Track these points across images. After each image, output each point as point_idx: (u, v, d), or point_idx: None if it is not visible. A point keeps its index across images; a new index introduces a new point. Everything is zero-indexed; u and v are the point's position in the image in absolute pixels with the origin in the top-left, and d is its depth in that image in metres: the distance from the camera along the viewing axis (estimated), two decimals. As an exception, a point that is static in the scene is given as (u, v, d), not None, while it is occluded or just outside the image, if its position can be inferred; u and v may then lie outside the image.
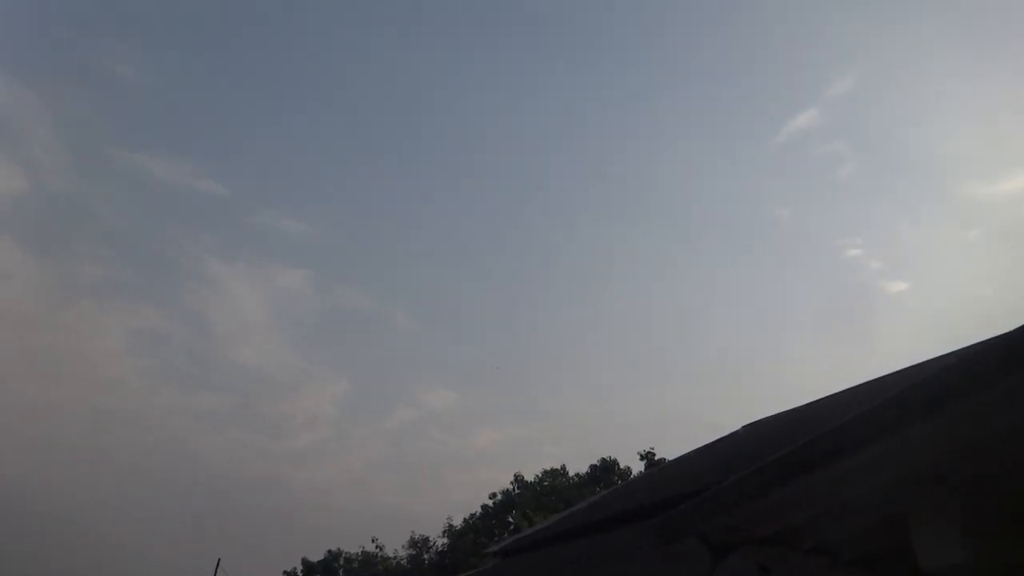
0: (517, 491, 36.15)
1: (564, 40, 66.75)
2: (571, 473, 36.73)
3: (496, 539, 31.07)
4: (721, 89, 68.63)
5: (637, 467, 33.84)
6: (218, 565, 34.82)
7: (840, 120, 65.08)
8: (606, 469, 35.80)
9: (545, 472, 36.77)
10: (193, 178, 67.98)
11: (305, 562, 38.65)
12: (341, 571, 38.12)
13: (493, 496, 36.54)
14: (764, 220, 70.10)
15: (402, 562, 36.64)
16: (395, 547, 37.58)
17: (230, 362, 71.77)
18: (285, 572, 38.90)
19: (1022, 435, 2.09)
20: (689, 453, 13.66)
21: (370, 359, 73.09)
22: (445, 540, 35.93)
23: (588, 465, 36.57)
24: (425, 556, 36.00)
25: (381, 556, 37.37)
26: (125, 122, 69.23)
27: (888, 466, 2.18)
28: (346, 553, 38.32)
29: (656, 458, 31.89)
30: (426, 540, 36.39)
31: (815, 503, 2.32)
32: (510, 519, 34.29)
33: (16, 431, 63.14)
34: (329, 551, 38.46)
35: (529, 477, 36.85)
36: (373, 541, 37.59)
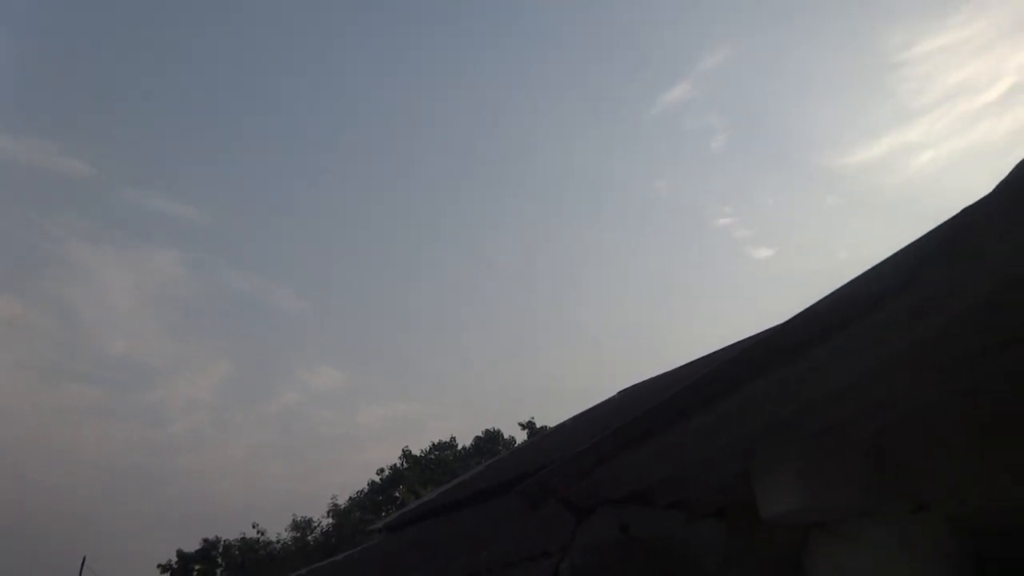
0: (405, 466, 36.04)
1: (425, 18, 65.60)
2: (460, 446, 37.01)
3: (384, 515, 30.86)
4: (592, 64, 70.25)
5: (521, 436, 34.62)
6: (83, 564, 32.63)
7: (711, 93, 68.43)
8: (491, 440, 36.36)
9: (433, 445, 36.84)
10: (52, 156, 62.12)
11: (180, 554, 36.83)
12: (220, 559, 36.67)
13: (381, 472, 36.28)
14: (641, 191, 72.88)
15: (287, 544, 35.76)
16: (278, 531, 36.64)
17: (99, 351, 66.86)
18: (159, 566, 36.90)
19: (856, 390, 2.23)
20: (567, 421, 14.05)
21: (253, 341, 70.31)
22: (330, 520, 35.37)
23: (473, 437, 37.00)
24: (310, 537, 35.30)
25: (263, 541, 36.27)
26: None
27: (735, 423, 2.27)
28: (225, 540, 36.87)
29: (537, 427, 32.75)
30: (309, 521, 35.69)
31: (669, 463, 2.40)
32: (397, 494, 34.19)
33: None
34: (205, 540, 36.83)
35: (417, 452, 36.81)
36: (254, 527, 36.42)
